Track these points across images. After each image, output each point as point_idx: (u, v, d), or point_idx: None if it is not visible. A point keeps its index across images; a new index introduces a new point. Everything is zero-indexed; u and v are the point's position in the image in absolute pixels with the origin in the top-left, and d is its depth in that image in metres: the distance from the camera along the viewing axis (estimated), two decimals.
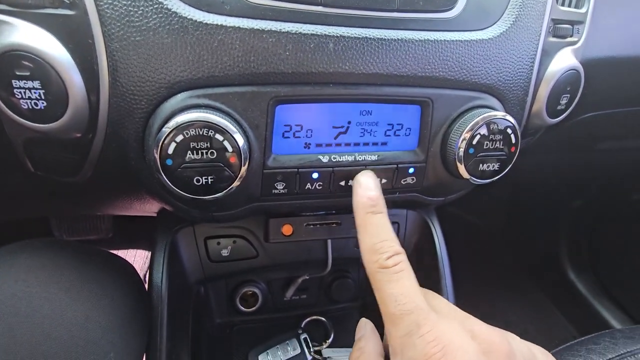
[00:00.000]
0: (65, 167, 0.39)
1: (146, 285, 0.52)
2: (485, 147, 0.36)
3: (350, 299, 0.73)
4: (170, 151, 0.30)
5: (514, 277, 1.23)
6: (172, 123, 0.30)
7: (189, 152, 0.30)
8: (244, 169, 0.32)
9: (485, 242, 1.31)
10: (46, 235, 1.11)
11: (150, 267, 0.52)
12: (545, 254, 1.20)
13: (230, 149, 0.31)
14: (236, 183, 0.32)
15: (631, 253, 1.02)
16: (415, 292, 0.30)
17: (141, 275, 0.53)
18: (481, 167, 0.37)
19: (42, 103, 0.31)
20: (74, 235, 1.17)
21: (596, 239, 1.12)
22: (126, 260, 0.50)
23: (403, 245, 0.64)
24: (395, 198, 0.43)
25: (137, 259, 1.38)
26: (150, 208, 0.53)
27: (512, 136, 0.37)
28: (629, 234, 1.04)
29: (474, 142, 0.36)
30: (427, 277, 0.62)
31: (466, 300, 0.65)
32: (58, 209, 0.73)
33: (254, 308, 0.68)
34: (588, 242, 1.14)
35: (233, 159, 0.31)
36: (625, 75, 0.57)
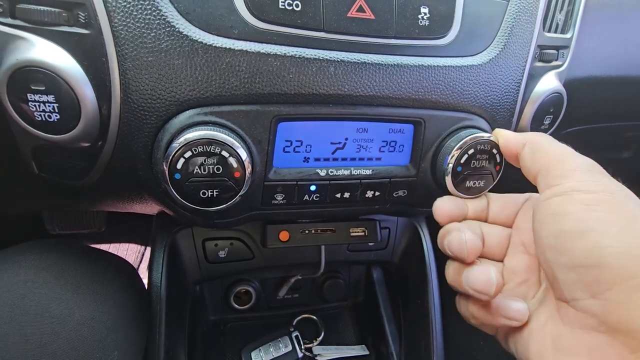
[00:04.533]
0: (72, 172, 0.40)
1: (145, 281, 0.54)
2: (472, 166, 0.39)
3: (340, 298, 0.76)
4: (179, 166, 0.32)
5: None
6: (182, 139, 0.32)
7: (197, 167, 0.32)
8: (247, 182, 0.34)
9: None
10: (37, 227, 1.11)
11: (150, 267, 0.53)
12: None
13: (235, 164, 0.33)
14: (239, 196, 0.35)
15: None
16: None
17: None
18: (468, 183, 0.40)
19: (56, 116, 0.32)
20: (66, 229, 1.17)
21: None
22: (126, 261, 0.52)
23: (393, 248, 0.67)
24: (388, 208, 0.45)
25: (130, 252, 1.39)
26: (150, 209, 0.55)
27: (498, 156, 0.39)
28: None
29: (462, 160, 0.39)
30: (415, 279, 0.65)
31: (450, 300, 0.68)
32: (56, 205, 0.74)
33: (247, 306, 0.70)
34: None
35: (237, 174, 0.33)
36: (604, 94, 0.61)
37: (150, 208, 0.53)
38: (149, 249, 1.38)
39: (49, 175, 0.41)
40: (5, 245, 0.47)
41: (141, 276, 0.54)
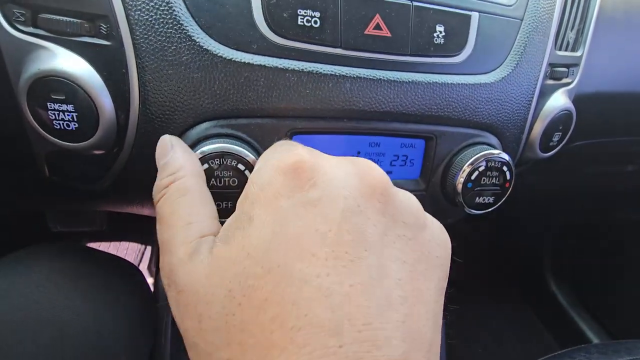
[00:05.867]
0: (85, 177, 0.41)
1: (148, 280, 0.54)
2: (482, 182, 0.39)
3: None
4: None
5: (499, 285, 1.28)
6: (199, 152, 0.32)
7: (213, 179, 0.33)
8: None
9: (473, 250, 1.35)
10: (39, 224, 1.11)
11: (157, 272, 0.54)
12: (530, 263, 1.25)
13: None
14: None
15: (609, 270, 1.08)
16: None
17: None
18: (477, 199, 0.40)
19: (74, 125, 0.33)
20: (68, 227, 1.17)
21: (578, 254, 1.18)
22: (134, 266, 0.53)
23: None
24: None
25: (130, 252, 1.39)
26: None
27: (508, 173, 0.40)
28: (608, 251, 1.09)
29: (473, 177, 0.39)
30: None
31: (451, 307, 0.68)
32: (63, 206, 0.74)
33: None
34: (570, 256, 1.20)
35: None
36: (611, 110, 0.61)
37: None
38: (149, 248, 1.38)
39: (61, 179, 0.42)
40: (7, 241, 0.47)
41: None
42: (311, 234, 0.19)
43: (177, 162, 0.27)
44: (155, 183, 0.27)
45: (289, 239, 0.19)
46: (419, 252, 0.22)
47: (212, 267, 0.20)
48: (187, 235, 0.22)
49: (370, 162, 0.24)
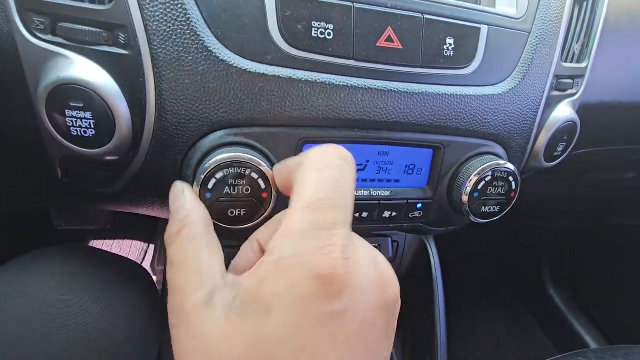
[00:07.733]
0: (97, 181, 0.41)
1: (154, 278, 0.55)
2: (488, 192, 0.40)
3: None
4: (210, 186, 0.33)
5: (497, 289, 1.29)
6: (213, 161, 0.33)
7: (227, 187, 0.33)
8: (273, 202, 0.35)
9: (472, 254, 1.36)
10: (44, 221, 1.12)
11: (163, 274, 0.54)
12: (529, 267, 1.26)
13: (263, 185, 0.34)
14: (265, 215, 0.36)
15: (608, 275, 1.09)
16: None
17: None
18: (483, 209, 0.41)
19: (91, 132, 0.33)
20: (73, 225, 1.18)
21: (576, 258, 1.19)
22: (142, 267, 0.53)
23: (401, 259, 0.69)
24: (402, 227, 0.46)
25: (133, 249, 1.40)
26: (168, 215, 0.56)
27: (513, 183, 0.41)
28: (606, 256, 1.10)
29: (479, 186, 0.40)
30: (421, 293, 0.66)
31: (452, 310, 0.69)
32: (72, 205, 0.75)
33: None
34: (569, 260, 1.21)
35: (265, 195, 0.34)
36: (613, 119, 0.62)
37: (168, 214, 0.54)
38: (152, 246, 1.39)
39: (73, 182, 0.42)
40: (12, 237, 0.48)
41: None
42: (329, 343, 0.20)
43: (187, 208, 0.29)
44: (167, 228, 0.28)
45: (306, 344, 0.20)
46: None
47: (226, 332, 0.21)
48: (200, 283, 0.24)
49: (389, 268, 0.26)
